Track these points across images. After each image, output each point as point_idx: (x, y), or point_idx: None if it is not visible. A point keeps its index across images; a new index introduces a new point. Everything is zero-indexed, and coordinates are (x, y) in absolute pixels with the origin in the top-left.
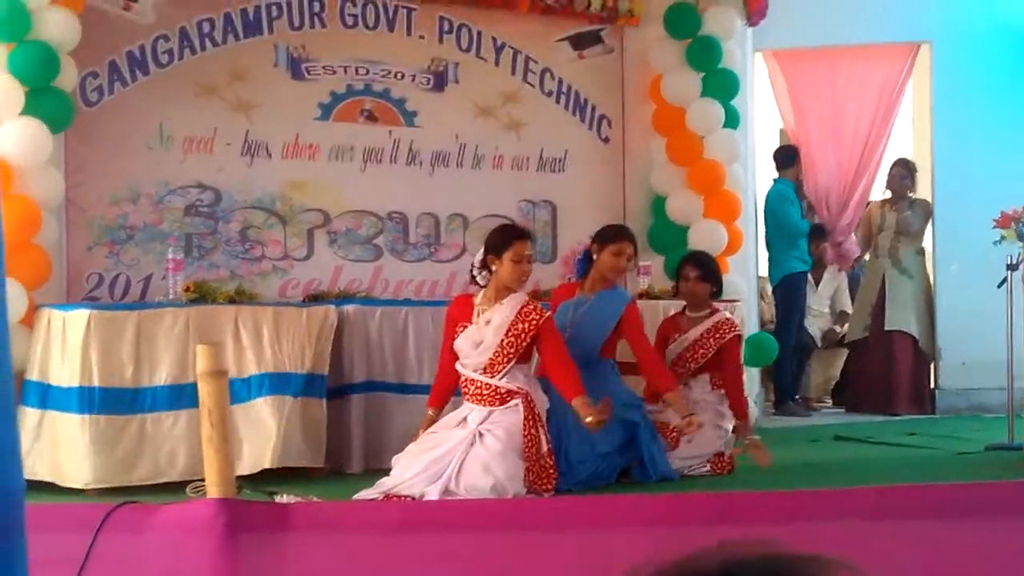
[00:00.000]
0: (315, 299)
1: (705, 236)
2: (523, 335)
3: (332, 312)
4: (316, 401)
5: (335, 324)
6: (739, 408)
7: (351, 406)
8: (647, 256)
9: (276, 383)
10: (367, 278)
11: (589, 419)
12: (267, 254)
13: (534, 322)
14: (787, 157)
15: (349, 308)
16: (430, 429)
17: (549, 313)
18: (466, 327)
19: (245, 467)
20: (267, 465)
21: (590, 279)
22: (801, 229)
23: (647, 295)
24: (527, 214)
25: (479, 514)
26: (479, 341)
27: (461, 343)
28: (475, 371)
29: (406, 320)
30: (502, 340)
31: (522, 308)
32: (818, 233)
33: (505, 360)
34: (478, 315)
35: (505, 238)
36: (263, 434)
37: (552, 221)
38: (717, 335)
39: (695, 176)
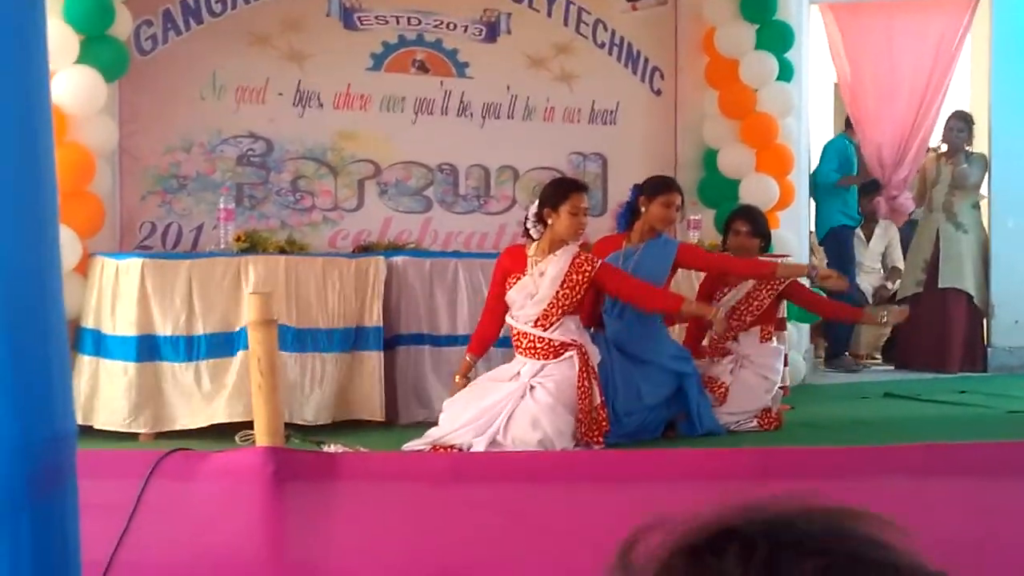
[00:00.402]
0: (365, 250)
1: (757, 190)
2: (578, 286)
3: (382, 263)
4: (371, 353)
5: (385, 275)
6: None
7: (400, 358)
8: (698, 210)
9: (329, 335)
10: (417, 230)
11: (715, 315)
12: (317, 204)
13: (587, 272)
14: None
15: (398, 260)
16: (483, 377)
17: (601, 260)
18: (519, 278)
19: (301, 418)
20: (322, 420)
21: (637, 230)
22: (828, 180)
23: None
24: (578, 167)
25: (526, 465)
26: (533, 292)
27: (514, 294)
28: (527, 323)
29: (456, 272)
30: (557, 292)
31: (575, 259)
32: (871, 188)
33: (559, 312)
34: (532, 266)
35: (562, 191)
36: (320, 385)
37: (603, 174)
38: (770, 287)
39: (747, 129)
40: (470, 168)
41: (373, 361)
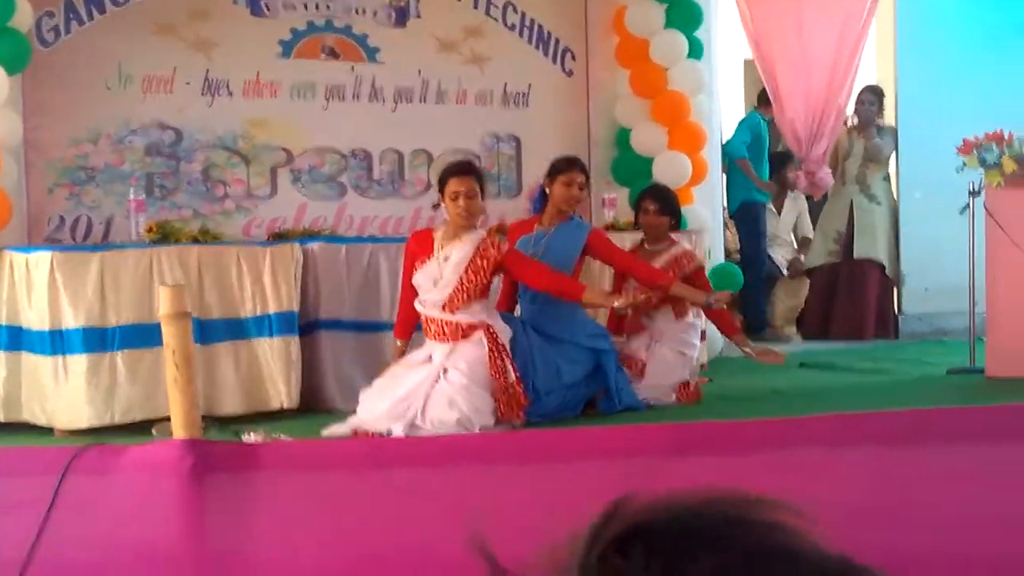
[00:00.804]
0: (279, 238)
1: (670, 167)
2: (483, 271)
3: (297, 250)
4: (287, 340)
5: (300, 262)
6: (731, 325)
7: (320, 344)
8: (612, 188)
9: (244, 323)
10: (332, 216)
11: (618, 303)
12: (230, 193)
13: (492, 258)
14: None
15: (314, 246)
16: (395, 366)
17: (508, 245)
18: (424, 262)
19: (220, 410)
20: (240, 411)
21: (547, 213)
22: (738, 153)
23: (613, 227)
24: (491, 149)
25: (446, 449)
26: (438, 277)
27: (420, 278)
28: (434, 308)
29: (373, 257)
30: (461, 277)
31: (481, 244)
32: (783, 160)
33: (465, 296)
34: (438, 250)
35: (442, 176)
36: (236, 375)
37: (517, 155)
38: (677, 268)
39: (659, 108)
40: (384, 153)
41: (290, 348)
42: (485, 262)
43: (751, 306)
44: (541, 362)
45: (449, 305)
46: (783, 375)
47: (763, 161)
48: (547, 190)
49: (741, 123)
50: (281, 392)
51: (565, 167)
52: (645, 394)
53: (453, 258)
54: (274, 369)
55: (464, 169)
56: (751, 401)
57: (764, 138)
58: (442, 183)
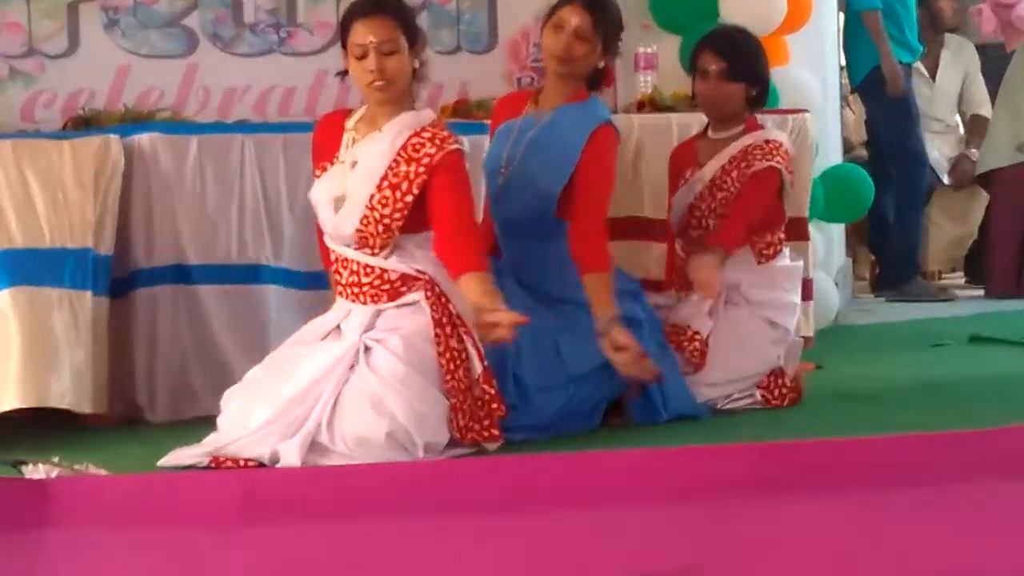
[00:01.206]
0: (85, 124)
1: (748, 1)
2: (413, 179)
3: (115, 145)
4: (92, 299)
5: (120, 166)
6: (721, 234)
7: (151, 309)
8: (651, 37)
9: (18, 265)
10: (173, 85)
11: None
12: None
13: (433, 153)
14: None
15: (143, 138)
16: (286, 343)
17: (456, 146)
18: (325, 168)
19: None
20: (6, 406)
21: (545, 87)
22: (858, 2)
23: (652, 104)
24: None
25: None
26: (339, 194)
27: (318, 194)
28: (345, 244)
29: (244, 156)
30: (373, 194)
31: (413, 136)
32: None
33: (384, 228)
34: (345, 148)
35: (344, 21)
36: (6, 350)
37: None
38: (744, 163)
39: None
40: None
41: (97, 312)
42: (416, 166)
43: (890, 238)
44: (531, 340)
45: (362, 242)
46: (941, 357)
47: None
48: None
49: None
50: (87, 386)
51: (559, 2)
52: (709, 392)
53: (364, 161)
54: (74, 344)
55: (375, 4)
56: (886, 402)
57: None
58: (343, 32)
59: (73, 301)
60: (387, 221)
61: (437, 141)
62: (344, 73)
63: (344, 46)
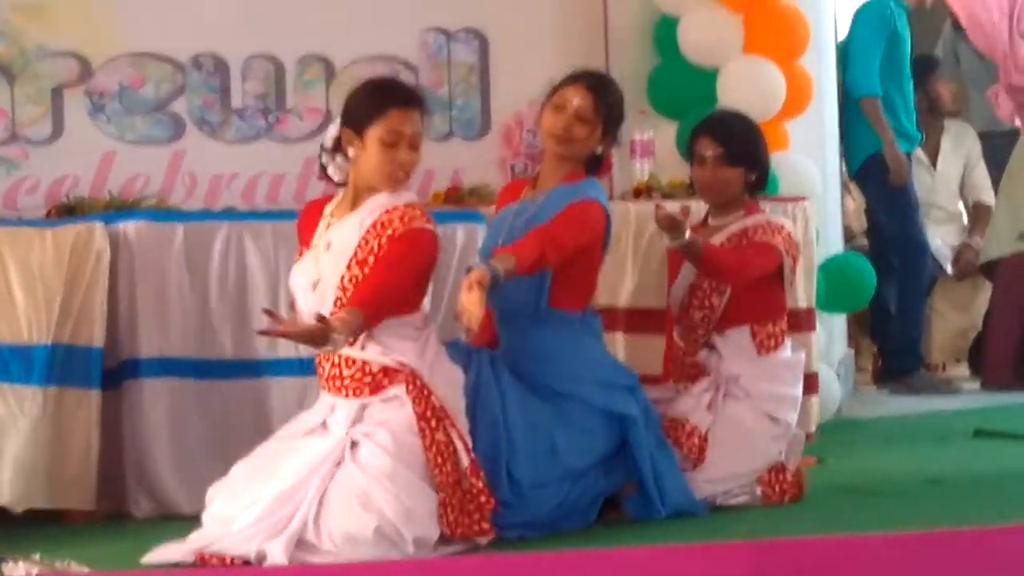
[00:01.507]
0: (69, 211)
1: (747, 85)
2: (376, 257)
3: (99, 233)
4: (80, 393)
5: (106, 255)
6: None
7: (137, 401)
8: (648, 123)
9: (4, 360)
10: (159, 172)
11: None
12: None
13: (391, 231)
14: None
15: (128, 226)
16: (274, 438)
17: (423, 224)
18: (302, 253)
19: None
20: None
21: (542, 169)
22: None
23: (649, 190)
24: (437, 54)
25: None
26: (316, 278)
27: (294, 282)
28: None
29: (231, 245)
30: (343, 275)
31: (384, 214)
32: (932, 66)
33: None
34: (320, 232)
35: (372, 103)
36: None
37: (481, 66)
38: (744, 240)
39: None
40: (249, 61)
41: (86, 407)
42: (381, 241)
43: (893, 329)
44: (524, 431)
45: None
46: (946, 451)
47: (902, 76)
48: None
49: (862, 15)
50: (72, 483)
51: (563, 80)
52: (707, 488)
53: (336, 243)
54: (59, 441)
55: (414, 97)
56: (888, 497)
57: (902, 37)
58: (370, 114)
59: (59, 398)
60: None
61: (406, 218)
62: (333, 151)
63: (360, 128)
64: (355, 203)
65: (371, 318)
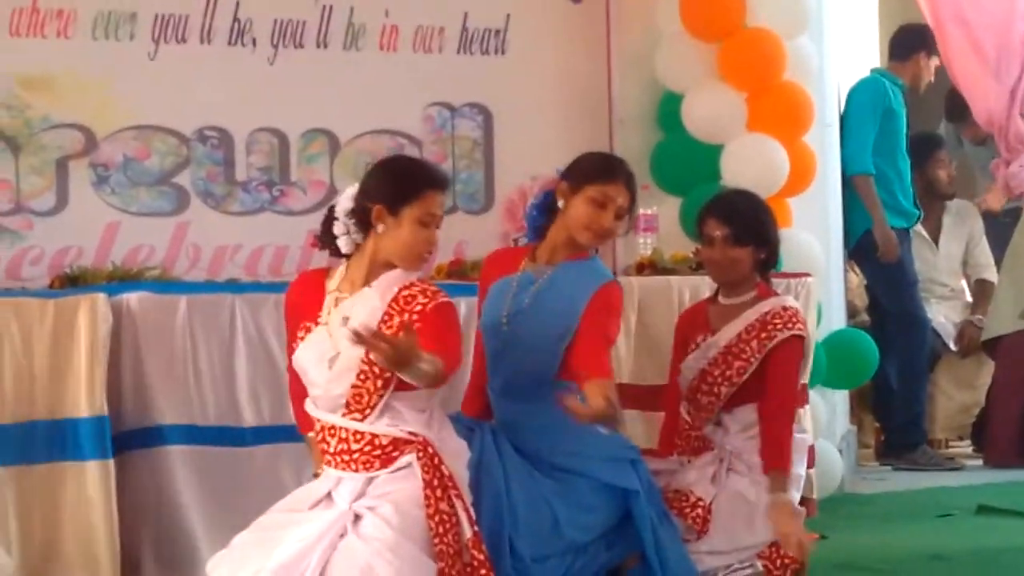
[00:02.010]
0: (72, 282)
1: (751, 162)
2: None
3: (102, 304)
4: (89, 466)
5: (110, 326)
6: (772, 459)
7: (139, 472)
8: (652, 199)
9: (8, 435)
10: (163, 243)
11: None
12: None
13: (425, 303)
14: (909, 42)
15: (131, 297)
16: (274, 510)
17: (446, 299)
18: (309, 329)
19: None
20: None
21: (548, 242)
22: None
23: (653, 266)
24: (441, 128)
25: None
26: (333, 354)
27: (304, 358)
28: (333, 411)
29: (236, 316)
30: (367, 355)
31: (403, 288)
32: (933, 145)
33: (382, 383)
34: (328, 310)
35: (412, 182)
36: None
37: (486, 140)
38: (764, 334)
39: (731, 56)
40: (254, 135)
41: (95, 479)
42: (410, 317)
43: (895, 405)
44: (525, 504)
45: (357, 404)
46: (947, 528)
47: (897, 152)
48: (560, 201)
49: (856, 94)
50: (82, 553)
51: (603, 172)
52: (710, 561)
53: (355, 318)
54: (70, 513)
55: (446, 180)
56: (890, 573)
57: (897, 114)
58: (404, 194)
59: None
60: (388, 375)
61: (429, 293)
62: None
63: (390, 204)
64: (367, 277)
65: (439, 376)
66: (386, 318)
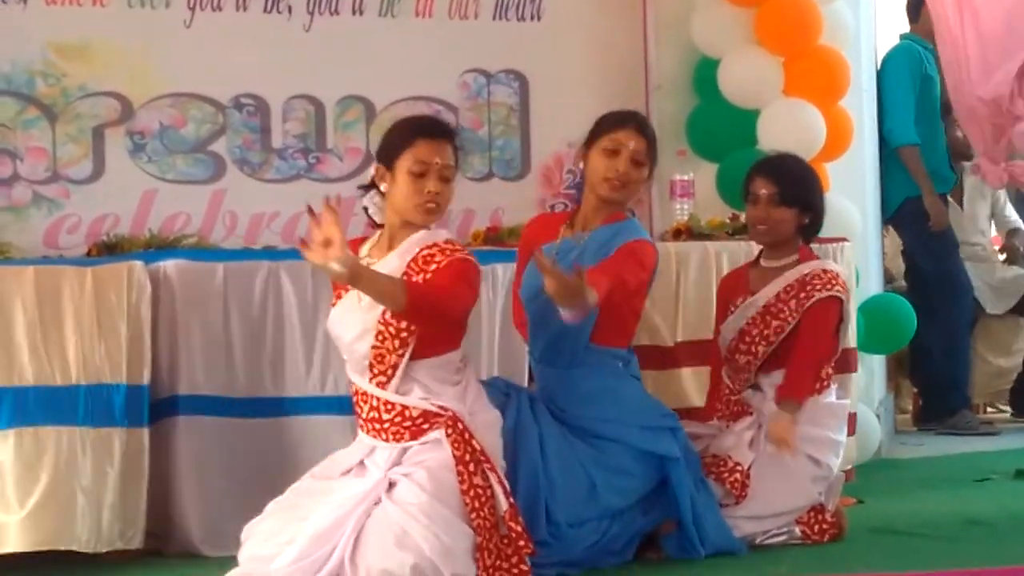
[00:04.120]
0: (109, 250)
1: (787, 127)
2: None
3: (139, 272)
4: (129, 433)
5: (147, 293)
6: (785, 389)
7: (172, 440)
8: (687, 165)
9: (49, 400)
10: (200, 211)
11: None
12: (23, 173)
13: (435, 266)
14: (916, 1)
15: (168, 265)
16: (307, 476)
17: (465, 255)
18: (340, 295)
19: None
20: (33, 547)
21: (582, 208)
22: (895, 137)
23: (689, 232)
24: (477, 95)
25: None
26: (355, 320)
27: (335, 323)
28: (362, 375)
29: (270, 284)
30: (383, 316)
31: (423, 249)
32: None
33: (399, 343)
34: None
35: (401, 135)
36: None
37: (522, 107)
38: (803, 294)
39: (768, 21)
40: (290, 102)
41: (134, 445)
42: (425, 276)
43: (936, 370)
44: (561, 471)
45: (378, 367)
46: (985, 493)
47: (935, 118)
48: (580, 164)
49: (891, 62)
50: (122, 521)
51: (611, 122)
52: (748, 526)
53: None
54: (105, 482)
55: (442, 129)
56: (928, 538)
57: (932, 80)
58: (395, 148)
59: (98, 439)
60: (404, 335)
61: (447, 251)
62: (370, 187)
63: (390, 161)
64: (392, 242)
65: (414, 305)
66: (405, 276)
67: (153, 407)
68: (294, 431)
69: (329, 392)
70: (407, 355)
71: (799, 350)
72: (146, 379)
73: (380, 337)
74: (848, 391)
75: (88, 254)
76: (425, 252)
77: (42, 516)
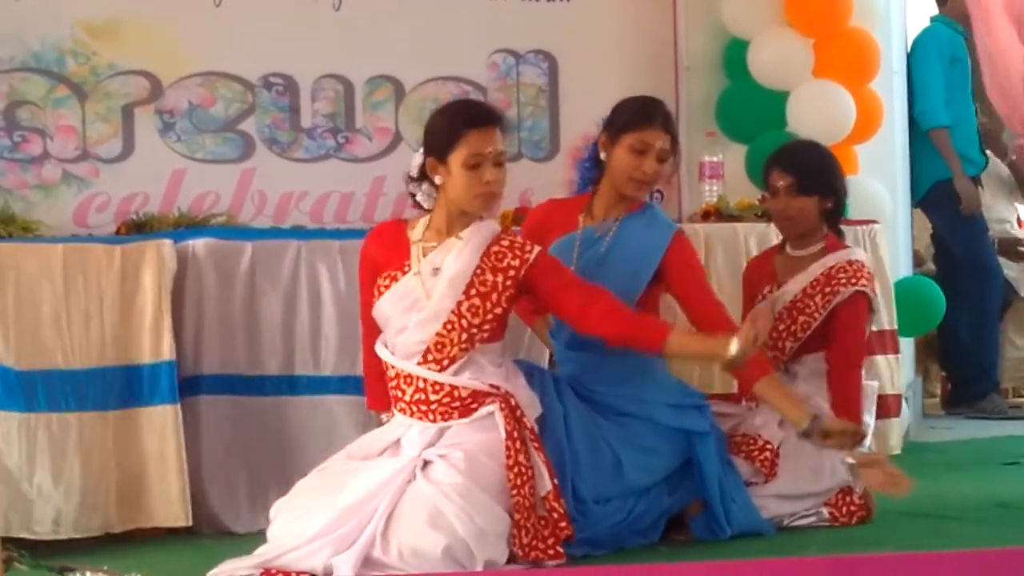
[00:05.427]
0: (138, 229)
1: (817, 108)
2: (498, 293)
3: (168, 251)
4: (159, 410)
5: (174, 271)
6: (840, 411)
7: (200, 418)
8: (717, 147)
9: (79, 381)
10: (229, 190)
11: (734, 348)
12: (52, 152)
13: (515, 269)
14: None
15: (197, 243)
16: (340, 455)
17: (537, 249)
18: (395, 278)
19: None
20: (70, 532)
21: (601, 197)
22: (927, 120)
23: (718, 214)
24: (506, 75)
25: None
26: (421, 304)
27: (388, 307)
28: (410, 358)
29: (301, 264)
30: (461, 302)
31: (494, 244)
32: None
33: (467, 337)
34: (417, 259)
35: (453, 127)
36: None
37: (551, 87)
38: (828, 288)
39: (798, 2)
40: (319, 81)
41: (164, 424)
42: (504, 276)
43: (965, 354)
44: (587, 448)
45: (438, 353)
46: (1014, 477)
47: (965, 100)
48: (602, 154)
49: (920, 45)
50: (155, 501)
51: (637, 119)
52: (776, 508)
53: (447, 269)
54: (139, 460)
55: (490, 116)
56: (956, 520)
57: (962, 61)
58: (446, 142)
59: (129, 419)
60: (473, 330)
61: (517, 251)
62: (419, 179)
63: (442, 154)
64: (449, 228)
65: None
66: (479, 272)
67: (183, 384)
68: (321, 411)
69: (360, 372)
70: (472, 347)
71: (835, 368)
72: (174, 357)
73: (448, 327)
74: (891, 372)
75: (117, 232)
76: (495, 248)
77: (76, 500)
